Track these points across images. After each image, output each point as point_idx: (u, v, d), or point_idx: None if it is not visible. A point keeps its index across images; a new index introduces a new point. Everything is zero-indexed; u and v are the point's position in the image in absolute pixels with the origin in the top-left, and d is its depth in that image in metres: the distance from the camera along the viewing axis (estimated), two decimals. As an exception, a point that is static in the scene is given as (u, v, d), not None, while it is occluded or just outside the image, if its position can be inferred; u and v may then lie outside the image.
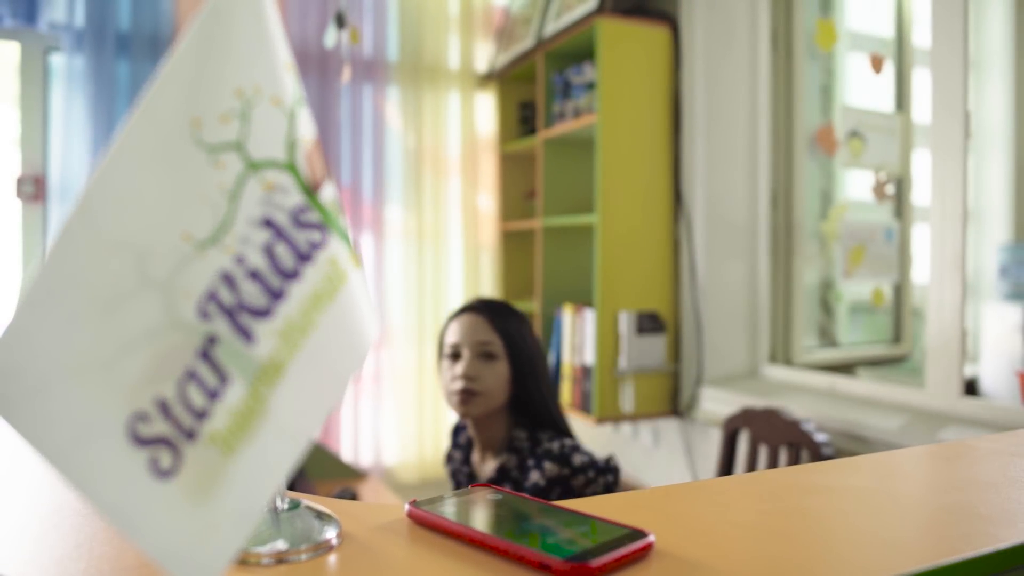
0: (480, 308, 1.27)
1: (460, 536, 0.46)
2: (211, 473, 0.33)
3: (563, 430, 1.28)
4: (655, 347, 2.04)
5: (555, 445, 1.21)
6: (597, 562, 0.41)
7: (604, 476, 1.21)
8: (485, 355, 1.22)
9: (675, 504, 0.54)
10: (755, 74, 2.09)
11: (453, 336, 1.26)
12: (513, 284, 2.63)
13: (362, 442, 2.45)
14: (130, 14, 2.16)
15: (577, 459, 1.20)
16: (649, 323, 2.04)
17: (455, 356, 1.24)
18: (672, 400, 2.10)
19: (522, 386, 1.24)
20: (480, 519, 0.49)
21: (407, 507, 0.50)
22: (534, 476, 1.20)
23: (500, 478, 1.25)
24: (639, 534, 0.45)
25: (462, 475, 1.37)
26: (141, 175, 0.33)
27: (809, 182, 2.14)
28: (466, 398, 1.21)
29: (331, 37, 2.09)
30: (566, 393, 2.17)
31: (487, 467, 1.28)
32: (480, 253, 2.60)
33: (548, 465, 1.19)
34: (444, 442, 2.54)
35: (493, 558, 0.44)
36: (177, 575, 0.32)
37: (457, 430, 1.41)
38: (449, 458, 1.42)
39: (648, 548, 0.44)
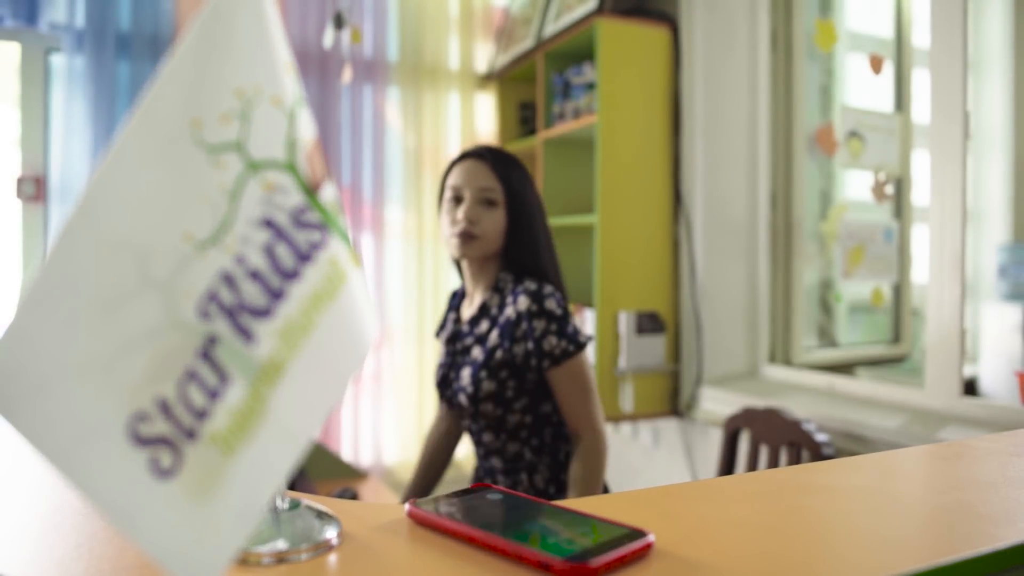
0: (484, 154, 1.28)
1: (460, 536, 0.46)
2: (211, 473, 0.33)
3: (553, 283, 1.29)
4: (655, 347, 2.05)
5: (535, 284, 1.23)
6: (597, 562, 0.41)
7: (567, 341, 1.20)
8: (486, 201, 1.24)
9: (675, 504, 0.54)
10: (755, 74, 2.09)
11: (456, 179, 1.27)
12: (513, 284, 2.63)
13: (362, 442, 2.45)
14: (130, 14, 2.16)
15: (550, 304, 1.21)
16: (649, 323, 2.04)
17: (457, 200, 1.26)
18: (672, 400, 2.10)
19: (517, 235, 1.26)
20: (480, 519, 0.49)
21: (407, 507, 0.50)
22: (508, 311, 1.23)
23: (480, 315, 1.28)
24: (639, 534, 0.45)
25: (450, 324, 1.38)
26: (142, 175, 0.33)
27: (809, 182, 2.14)
28: (465, 240, 1.23)
29: (329, 37, 2.09)
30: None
31: (473, 307, 1.31)
32: (480, 253, 2.60)
33: (522, 299, 1.21)
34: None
35: (493, 558, 0.44)
36: (178, 575, 0.32)
37: (454, 295, 1.43)
38: (442, 326, 1.43)
39: (648, 548, 0.44)
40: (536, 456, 1.26)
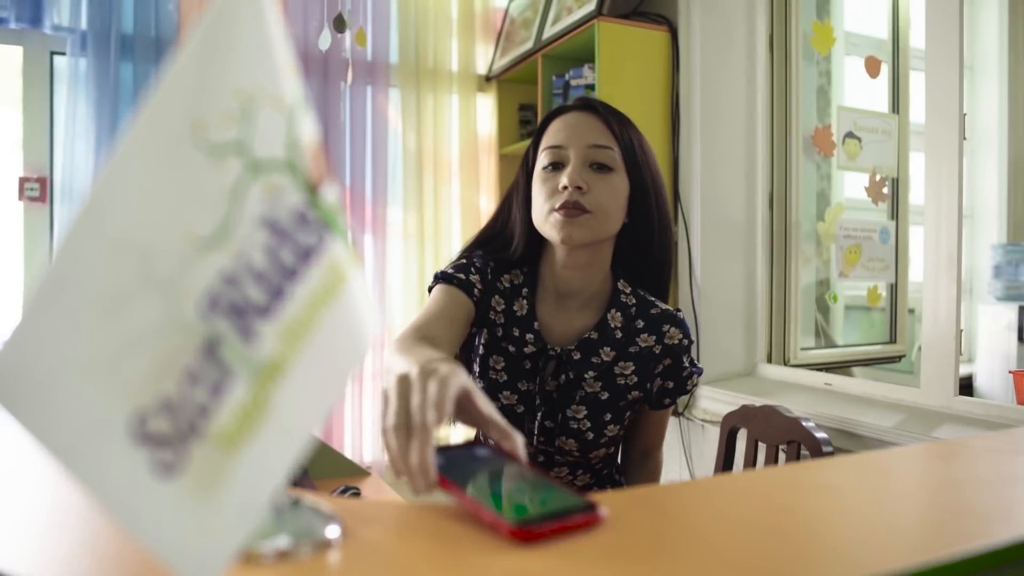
0: (594, 105, 0.96)
1: (439, 484, 0.49)
2: (214, 471, 0.34)
3: (666, 292, 1.03)
4: (654, 347, 2.05)
5: (671, 308, 0.99)
6: (542, 528, 0.43)
7: (696, 373, 1.02)
8: (598, 164, 0.92)
9: (675, 503, 0.55)
10: (753, 76, 2.09)
11: (556, 137, 0.94)
12: (512, 285, 2.63)
13: (364, 440, 2.46)
14: (133, 16, 2.17)
15: (691, 335, 1.00)
16: (648, 324, 2.04)
17: (557, 165, 0.93)
18: (671, 400, 2.11)
19: (640, 217, 0.94)
20: (456, 471, 0.50)
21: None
22: (645, 339, 0.96)
23: (601, 339, 0.95)
24: (591, 506, 0.46)
25: (515, 327, 0.97)
26: (145, 177, 0.33)
27: (806, 183, 2.15)
28: (572, 213, 0.89)
29: (326, 39, 2.10)
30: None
31: (573, 321, 0.97)
32: (480, 254, 2.60)
33: (673, 331, 0.97)
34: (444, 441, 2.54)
35: (493, 556, 0.44)
36: (180, 572, 0.33)
37: (472, 254, 1.02)
38: (469, 284, 0.97)
39: (596, 520, 0.45)
40: (601, 485, 1.05)
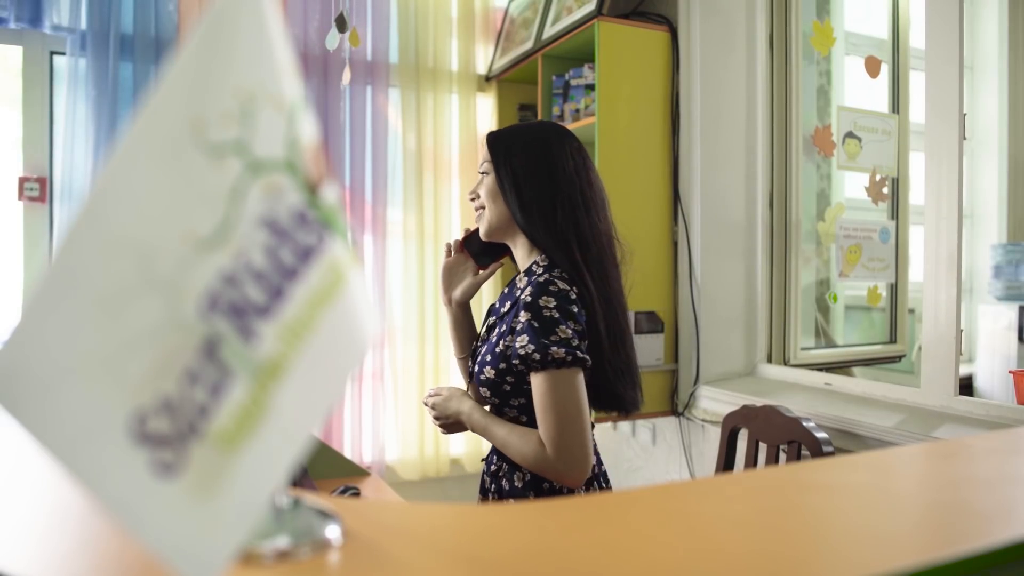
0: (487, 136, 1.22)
1: None
2: (214, 471, 0.34)
3: (572, 259, 1.11)
4: (653, 346, 2.05)
5: (557, 274, 1.09)
6: None
7: (536, 351, 1.02)
8: (481, 175, 1.21)
9: (675, 503, 0.55)
10: (753, 76, 2.09)
11: None
12: (512, 285, 2.63)
13: (364, 440, 2.46)
14: (133, 16, 2.17)
15: (546, 301, 1.05)
16: (647, 322, 2.05)
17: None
18: (670, 399, 2.11)
19: (512, 200, 1.13)
20: None
21: None
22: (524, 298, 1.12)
23: (507, 295, 1.18)
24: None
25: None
26: (145, 176, 0.33)
27: (806, 183, 2.15)
28: (477, 216, 1.21)
29: (332, 40, 2.10)
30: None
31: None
32: (479, 254, 2.60)
33: (530, 287, 1.09)
34: (444, 440, 2.55)
35: (493, 555, 0.44)
36: (181, 572, 0.33)
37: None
38: None
39: None
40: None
